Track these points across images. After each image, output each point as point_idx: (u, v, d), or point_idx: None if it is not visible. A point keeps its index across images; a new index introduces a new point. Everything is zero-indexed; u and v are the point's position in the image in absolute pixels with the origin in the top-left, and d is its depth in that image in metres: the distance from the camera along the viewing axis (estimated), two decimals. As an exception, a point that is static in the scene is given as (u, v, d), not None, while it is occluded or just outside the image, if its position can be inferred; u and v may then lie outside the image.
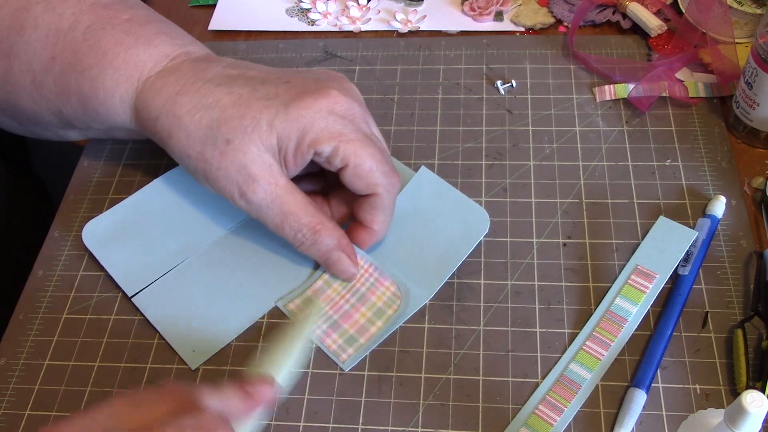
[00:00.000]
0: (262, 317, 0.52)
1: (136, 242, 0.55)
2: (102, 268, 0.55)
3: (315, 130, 0.47)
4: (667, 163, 0.57)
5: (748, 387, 0.45)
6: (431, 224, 0.53)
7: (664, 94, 0.61)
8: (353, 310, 0.50)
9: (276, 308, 0.52)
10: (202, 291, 0.52)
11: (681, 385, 0.46)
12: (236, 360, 0.50)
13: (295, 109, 0.47)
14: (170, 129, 0.49)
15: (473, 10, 0.70)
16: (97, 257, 0.54)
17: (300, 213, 0.49)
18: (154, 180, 0.57)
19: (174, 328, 0.51)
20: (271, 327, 0.51)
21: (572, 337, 0.49)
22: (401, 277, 0.51)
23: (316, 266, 0.53)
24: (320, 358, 0.50)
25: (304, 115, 0.47)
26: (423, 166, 0.56)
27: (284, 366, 0.43)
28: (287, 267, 0.53)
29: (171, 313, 0.51)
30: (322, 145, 0.47)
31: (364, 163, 0.48)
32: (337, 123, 0.48)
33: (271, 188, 0.48)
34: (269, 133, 0.47)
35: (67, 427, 0.36)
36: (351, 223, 0.52)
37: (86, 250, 0.56)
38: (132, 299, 0.52)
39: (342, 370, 0.49)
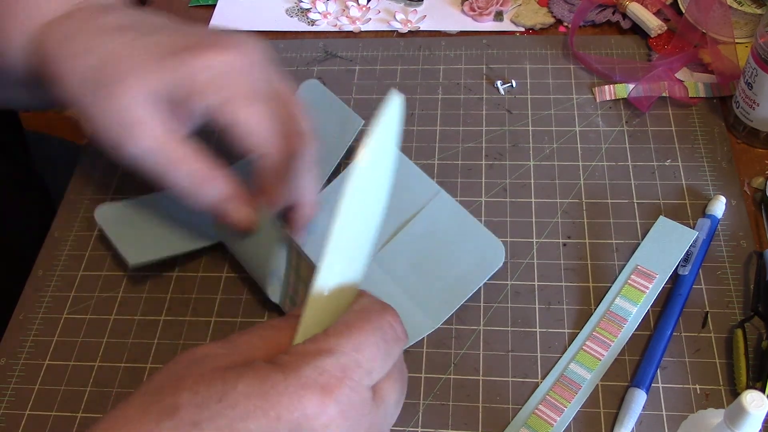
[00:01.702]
0: (263, 317, 0.52)
1: (146, 226, 0.55)
2: (102, 268, 0.55)
3: (198, 83, 0.45)
4: (667, 163, 0.57)
5: (748, 387, 0.45)
6: (445, 252, 0.52)
7: (664, 94, 0.61)
8: None
9: (276, 306, 0.52)
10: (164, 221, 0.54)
11: (681, 385, 0.46)
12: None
13: (178, 59, 0.45)
14: (56, 72, 0.46)
15: (473, 10, 0.70)
16: (106, 232, 0.55)
17: (186, 160, 0.46)
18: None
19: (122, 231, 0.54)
20: (271, 327, 0.51)
21: (572, 337, 0.49)
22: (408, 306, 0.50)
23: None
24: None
25: (190, 64, 0.45)
26: (442, 190, 0.55)
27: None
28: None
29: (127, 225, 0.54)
30: (204, 99, 0.45)
31: (248, 121, 0.45)
32: (223, 77, 0.45)
33: (156, 134, 0.45)
34: (156, 80, 0.44)
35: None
36: None
37: (86, 250, 0.56)
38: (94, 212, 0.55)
39: None
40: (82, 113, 0.46)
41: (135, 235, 0.55)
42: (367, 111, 0.62)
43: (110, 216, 0.56)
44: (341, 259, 0.34)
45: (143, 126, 0.44)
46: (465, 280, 0.50)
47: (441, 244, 0.52)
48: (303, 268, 0.47)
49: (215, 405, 0.30)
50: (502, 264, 0.50)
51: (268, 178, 0.48)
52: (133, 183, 0.60)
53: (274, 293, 0.51)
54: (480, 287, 0.51)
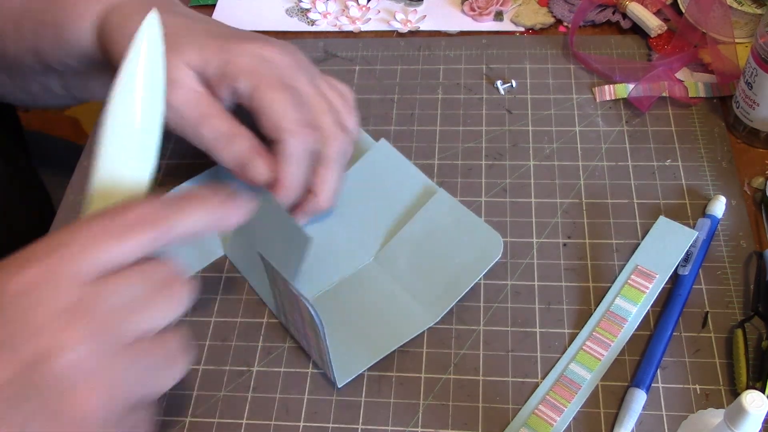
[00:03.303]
0: (263, 317, 0.52)
1: None
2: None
3: (236, 64, 0.49)
4: (667, 163, 0.57)
5: (748, 387, 0.45)
6: (444, 247, 0.52)
7: (664, 94, 0.61)
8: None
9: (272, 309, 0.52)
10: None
11: (681, 385, 0.46)
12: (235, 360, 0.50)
13: (226, 44, 0.50)
14: (117, 38, 0.50)
15: (473, 10, 0.70)
16: None
17: (218, 117, 0.49)
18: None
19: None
20: (270, 327, 0.51)
21: (572, 337, 0.49)
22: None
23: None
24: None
25: (231, 50, 0.49)
26: (441, 189, 0.55)
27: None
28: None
29: None
30: (237, 80, 0.48)
31: (273, 104, 0.48)
32: (260, 64, 0.49)
33: (191, 93, 0.49)
34: (198, 56, 0.49)
35: None
36: None
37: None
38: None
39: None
40: None
41: None
42: (368, 111, 0.62)
43: None
44: (115, 155, 0.38)
45: (180, 84, 0.49)
46: (464, 274, 0.51)
47: (440, 240, 0.53)
48: (279, 281, 0.47)
49: None
50: (500, 256, 0.51)
51: (285, 164, 0.49)
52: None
53: (271, 305, 0.52)
54: (480, 287, 0.51)
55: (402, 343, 0.49)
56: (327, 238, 0.54)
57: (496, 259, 0.51)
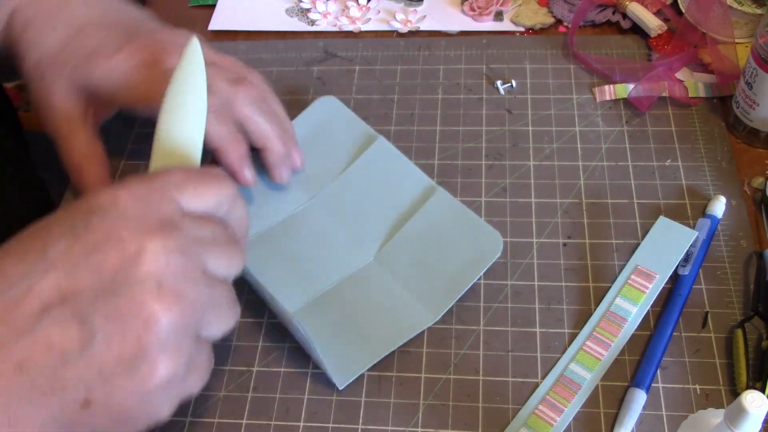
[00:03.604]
0: (263, 317, 0.52)
1: None
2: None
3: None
4: (667, 163, 0.57)
5: (748, 387, 0.45)
6: (444, 246, 0.52)
7: (664, 94, 0.61)
8: None
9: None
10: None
11: (681, 385, 0.46)
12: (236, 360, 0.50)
13: (89, 65, 0.53)
14: (20, 54, 0.54)
15: (473, 10, 0.70)
16: None
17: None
18: None
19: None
20: (270, 327, 0.51)
21: (572, 337, 0.49)
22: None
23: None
24: (320, 358, 0.50)
25: (92, 70, 0.53)
26: (440, 187, 0.55)
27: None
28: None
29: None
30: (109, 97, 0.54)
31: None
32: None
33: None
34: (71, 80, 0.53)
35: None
36: None
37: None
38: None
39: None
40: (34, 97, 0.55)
41: None
42: (368, 111, 0.62)
43: None
44: (176, 124, 0.44)
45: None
46: (464, 272, 0.51)
47: (440, 239, 0.53)
48: (266, 296, 0.49)
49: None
50: (500, 254, 0.51)
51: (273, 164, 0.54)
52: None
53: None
54: (480, 287, 0.51)
55: (403, 343, 0.49)
56: (327, 237, 0.54)
57: (496, 257, 0.51)
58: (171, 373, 0.35)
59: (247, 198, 0.56)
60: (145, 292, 0.34)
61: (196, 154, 0.45)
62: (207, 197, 0.39)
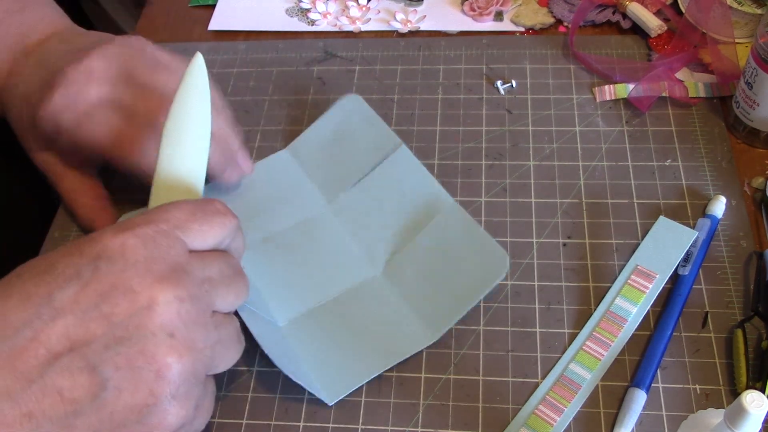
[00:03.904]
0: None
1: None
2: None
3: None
4: (667, 163, 0.57)
5: (748, 387, 0.45)
6: (451, 264, 0.51)
7: (664, 94, 0.61)
8: None
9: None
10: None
11: (681, 385, 0.46)
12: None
13: (55, 85, 0.50)
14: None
15: (473, 10, 0.70)
16: None
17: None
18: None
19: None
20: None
21: (572, 337, 0.49)
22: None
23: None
24: (320, 358, 0.49)
25: (58, 92, 0.50)
26: (454, 202, 0.54)
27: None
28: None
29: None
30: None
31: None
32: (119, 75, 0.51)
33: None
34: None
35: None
36: None
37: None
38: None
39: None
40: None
41: None
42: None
43: None
44: (177, 154, 0.44)
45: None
46: (468, 292, 0.50)
47: (448, 256, 0.52)
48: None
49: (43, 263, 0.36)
50: (505, 275, 0.50)
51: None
52: (131, 185, 0.60)
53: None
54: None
55: (398, 361, 0.48)
56: (338, 246, 0.54)
57: (501, 278, 0.50)
58: (181, 421, 0.35)
59: (266, 199, 0.56)
60: (158, 343, 0.34)
61: (199, 184, 0.45)
62: (211, 234, 0.39)
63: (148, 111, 0.49)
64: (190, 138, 0.44)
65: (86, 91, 0.49)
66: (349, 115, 0.60)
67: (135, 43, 0.52)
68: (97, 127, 0.50)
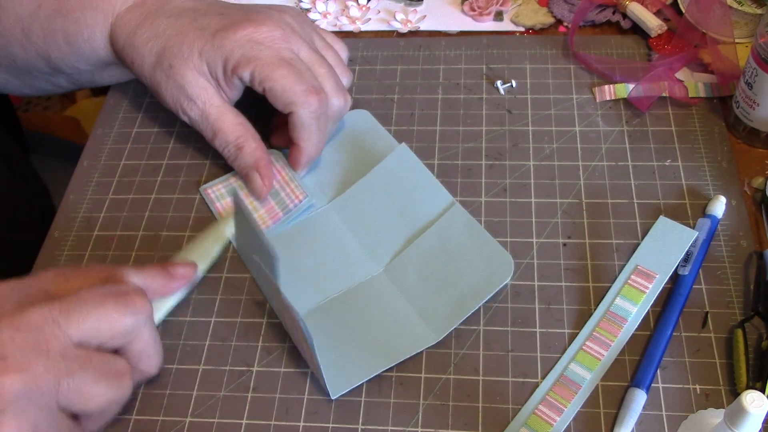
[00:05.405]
0: (263, 317, 0.52)
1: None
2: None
3: (235, 58, 0.53)
4: (667, 163, 0.57)
5: (748, 387, 0.45)
6: (455, 265, 0.52)
7: (664, 94, 0.61)
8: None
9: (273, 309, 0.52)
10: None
11: (681, 385, 0.46)
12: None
13: (219, 39, 0.54)
14: (132, 57, 0.57)
15: (473, 10, 0.70)
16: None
17: (228, 131, 0.56)
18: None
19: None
20: (270, 327, 0.51)
21: (572, 337, 0.49)
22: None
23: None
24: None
25: (225, 44, 0.54)
26: (457, 203, 0.54)
27: (206, 257, 0.53)
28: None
29: None
30: (241, 71, 0.53)
31: (276, 84, 0.53)
32: (253, 49, 0.53)
33: (205, 107, 0.55)
34: (200, 61, 0.54)
35: (4, 287, 0.43)
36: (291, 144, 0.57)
37: (86, 250, 0.56)
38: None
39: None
40: (154, 87, 0.57)
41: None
42: (368, 111, 0.62)
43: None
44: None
45: (195, 98, 0.55)
46: (472, 294, 0.50)
47: (451, 258, 0.52)
48: (274, 290, 0.47)
49: None
50: (509, 279, 0.50)
51: (300, 132, 0.55)
52: (133, 184, 0.60)
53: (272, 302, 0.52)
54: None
55: (400, 361, 0.48)
56: (340, 244, 0.54)
57: (506, 282, 0.50)
58: None
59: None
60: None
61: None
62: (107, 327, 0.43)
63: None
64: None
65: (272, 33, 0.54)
66: (356, 128, 0.61)
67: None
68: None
